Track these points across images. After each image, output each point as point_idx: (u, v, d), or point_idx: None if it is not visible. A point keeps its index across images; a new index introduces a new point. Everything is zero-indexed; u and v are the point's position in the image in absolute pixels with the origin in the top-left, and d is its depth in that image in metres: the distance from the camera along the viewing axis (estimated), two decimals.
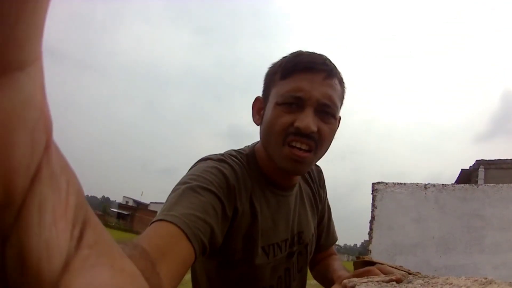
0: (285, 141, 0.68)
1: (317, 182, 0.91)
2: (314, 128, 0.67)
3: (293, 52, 0.73)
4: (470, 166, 10.47)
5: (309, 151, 0.68)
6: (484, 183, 8.44)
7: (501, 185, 3.88)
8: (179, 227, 0.53)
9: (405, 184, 4.12)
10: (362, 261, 0.76)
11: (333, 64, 0.72)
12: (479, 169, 9.80)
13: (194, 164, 0.72)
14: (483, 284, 0.42)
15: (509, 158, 10.27)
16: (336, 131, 0.74)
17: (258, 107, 0.77)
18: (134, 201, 60.26)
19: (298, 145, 0.68)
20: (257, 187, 0.74)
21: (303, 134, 0.67)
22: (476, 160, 10.25)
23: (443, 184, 4.05)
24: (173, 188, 0.64)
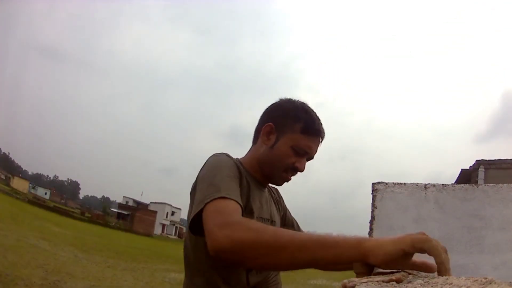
0: (284, 170, 1.04)
1: (276, 194, 1.24)
2: (303, 170, 1.05)
3: (308, 110, 1.06)
4: (470, 166, 10.48)
5: (291, 177, 1.07)
6: (484, 183, 8.45)
7: (501, 185, 3.87)
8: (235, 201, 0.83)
9: (405, 184, 4.12)
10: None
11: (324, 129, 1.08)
12: (479, 169, 9.81)
13: (209, 160, 0.99)
14: (483, 284, 0.42)
15: (509, 158, 10.28)
16: None
17: (269, 131, 1.06)
18: (134, 201, 60.30)
19: (290, 174, 1.06)
20: (247, 176, 1.03)
21: (296, 171, 1.05)
22: (476, 160, 10.26)
23: (443, 184, 4.05)
24: (204, 174, 0.93)
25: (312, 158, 1.07)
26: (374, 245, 0.61)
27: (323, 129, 1.07)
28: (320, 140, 1.07)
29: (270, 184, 1.17)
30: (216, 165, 0.95)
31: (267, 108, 1.11)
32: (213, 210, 0.79)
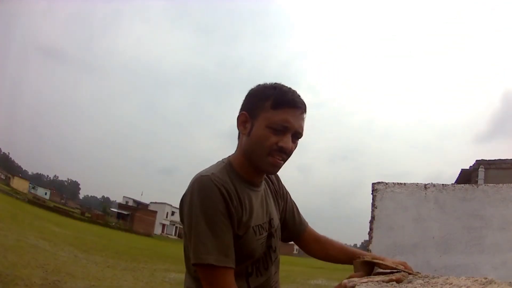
0: (269, 154, 0.98)
1: (276, 184, 1.19)
2: (291, 148, 0.99)
3: (277, 86, 1.00)
4: (470, 166, 10.47)
5: (282, 160, 1.00)
6: (484, 183, 8.45)
7: (501, 185, 3.86)
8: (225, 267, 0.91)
9: (405, 184, 4.11)
10: (362, 261, 0.76)
11: (304, 102, 1.01)
12: (479, 169, 9.81)
13: (193, 196, 0.95)
14: (483, 284, 0.42)
15: (509, 158, 10.28)
16: (297, 146, 1.04)
17: (243, 120, 1.02)
18: (134, 201, 60.28)
19: (278, 157, 0.98)
20: (238, 185, 1.00)
21: (283, 151, 0.98)
22: (476, 160, 10.26)
23: (443, 184, 4.04)
24: (191, 221, 0.94)
25: (298, 133, 0.99)
26: None
27: (299, 99, 0.99)
28: (300, 112, 0.99)
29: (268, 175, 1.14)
30: (202, 206, 0.92)
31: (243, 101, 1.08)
32: (207, 280, 0.92)
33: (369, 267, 0.87)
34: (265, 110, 0.97)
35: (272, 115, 0.96)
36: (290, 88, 1.00)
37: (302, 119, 1.00)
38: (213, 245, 0.90)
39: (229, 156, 1.09)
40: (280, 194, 1.21)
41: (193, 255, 0.92)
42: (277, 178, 1.22)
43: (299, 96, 1.00)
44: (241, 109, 1.04)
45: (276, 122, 0.96)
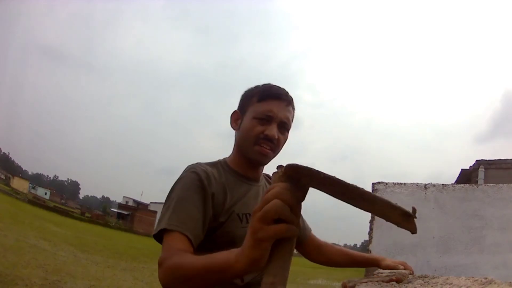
0: (256, 143, 1.02)
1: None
2: (276, 136, 1.02)
3: (265, 84, 1.07)
4: (470, 166, 10.47)
5: (270, 150, 1.03)
6: (484, 183, 8.44)
7: (501, 185, 3.87)
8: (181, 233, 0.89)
9: (405, 184, 4.12)
10: None
11: (291, 96, 1.07)
12: (479, 169, 9.80)
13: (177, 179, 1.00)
14: (483, 284, 0.42)
15: (509, 158, 10.27)
16: (287, 139, 1.09)
17: (236, 118, 1.10)
18: (134, 201, 60.25)
19: (264, 146, 1.02)
20: (230, 177, 1.05)
21: (269, 139, 1.01)
22: (476, 160, 10.25)
23: (443, 184, 4.05)
24: (166, 200, 0.96)
25: (284, 123, 1.04)
26: (239, 254, 0.60)
27: (284, 93, 1.05)
28: (285, 104, 1.04)
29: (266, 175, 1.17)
30: (180, 190, 0.96)
31: None
32: (163, 242, 0.92)
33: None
34: (252, 104, 1.05)
35: (258, 107, 1.03)
36: (277, 85, 1.07)
37: (288, 111, 1.05)
38: (170, 215, 0.91)
39: (224, 158, 1.15)
40: None
41: (158, 222, 0.93)
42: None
43: (286, 92, 1.06)
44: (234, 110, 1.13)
45: (261, 112, 1.02)
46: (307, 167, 0.47)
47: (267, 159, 1.06)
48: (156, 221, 1.04)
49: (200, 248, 0.92)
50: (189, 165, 1.03)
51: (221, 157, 1.14)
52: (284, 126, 1.05)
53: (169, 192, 0.98)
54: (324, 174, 0.46)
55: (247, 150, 1.05)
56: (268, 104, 1.02)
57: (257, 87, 1.09)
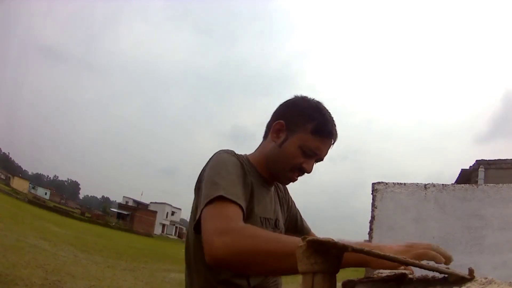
0: (290, 170, 1.02)
1: (283, 192, 1.21)
2: (311, 172, 1.02)
3: (322, 109, 1.02)
4: (470, 166, 10.46)
5: (298, 178, 1.05)
6: (484, 183, 8.44)
7: (501, 185, 3.87)
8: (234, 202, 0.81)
9: (405, 184, 4.12)
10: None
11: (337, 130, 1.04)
12: (479, 169, 9.79)
13: (213, 158, 0.97)
14: (483, 284, 0.42)
15: (509, 158, 10.27)
16: None
17: (278, 129, 1.03)
18: (134, 201, 60.23)
19: (296, 175, 1.03)
20: (254, 177, 1.02)
21: (302, 172, 1.02)
22: (476, 160, 10.24)
23: (443, 184, 4.05)
24: (209, 173, 0.90)
25: (321, 159, 1.04)
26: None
27: (336, 131, 1.03)
28: (332, 142, 1.03)
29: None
30: (220, 162, 0.93)
31: (281, 104, 1.07)
32: (213, 212, 0.79)
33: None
34: (304, 131, 1.00)
35: (309, 139, 0.99)
36: (331, 116, 1.03)
37: (330, 148, 1.05)
38: (225, 183, 0.85)
39: (246, 155, 1.10)
40: (286, 203, 1.22)
41: (202, 199, 0.83)
42: (285, 187, 1.24)
43: (336, 126, 1.04)
44: (279, 116, 1.04)
45: (310, 148, 0.99)
46: (329, 241, 0.42)
47: (288, 184, 1.09)
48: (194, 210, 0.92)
49: None
50: (223, 149, 1.00)
51: None
52: (319, 160, 1.04)
53: (212, 167, 0.92)
54: (352, 247, 0.42)
55: (278, 171, 1.03)
56: (320, 142, 1.00)
57: (312, 109, 1.01)
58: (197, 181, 0.97)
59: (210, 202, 0.81)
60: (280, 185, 1.20)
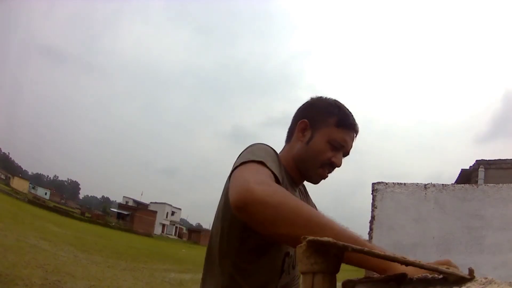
0: (321, 166, 1.03)
1: (304, 195, 1.21)
2: (340, 165, 1.04)
3: (340, 105, 1.06)
4: (470, 166, 10.46)
5: (328, 174, 1.06)
6: (484, 183, 8.44)
7: (501, 185, 3.87)
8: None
9: (405, 184, 4.12)
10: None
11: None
12: (479, 169, 9.80)
13: (250, 145, 0.96)
14: (483, 284, 0.42)
15: (509, 158, 10.27)
16: None
17: (303, 128, 1.05)
18: (134, 201, 60.26)
19: (327, 170, 1.04)
20: (284, 175, 0.99)
21: (332, 166, 1.03)
22: (476, 160, 10.24)
23: (443, 184, 4.05)
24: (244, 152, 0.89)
25: (347, 153, 1.06)
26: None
27: (357, 124, 1.06)
28: (355, 135, 1.06)
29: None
30: (257, 147, 0.93)
31: (299, 107, 1.10)
32: (250, 167, 0.78)
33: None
34: (328, 125, 1.03)
35: (335, 132, 1.02)
36: (349, 110, 1.07)
37: (354, 141, 1.08)
38: (263, 156, 0.84)
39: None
40: (308, 203, 1.22)
41: (236, 163, 0.82)
42: (306, 190, 1.23)
43: (355, 119, 1.08)
44: (301, 116, 1.07)
45: (337, 140, 1.02)
46: (329, 241, 0.43)
47: (320, 181, 1.08)
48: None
49: (233, 235, 0.92)
50: (258, 143, 0.98)
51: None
52: (345, 155, 1.06)
53: (248, 151, 0.90)
54: (352, 247, 0.43)
55: (309, 169, 1.04)
56: (344, 133, 1.03)
57: (332, 105, 1.06)
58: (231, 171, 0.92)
59: (245, 163, 0.79)
60: (301, 188, 1.18)
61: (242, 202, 0.66)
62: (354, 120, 1.06)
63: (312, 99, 1.10)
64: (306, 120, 1.05)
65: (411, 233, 3.89)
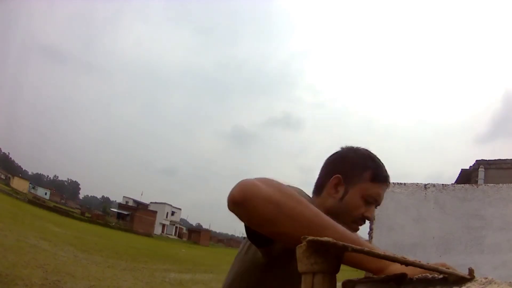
0: (354, 221, 1.01)
1: None
2: (373, 219, 1.06)
3: (374, 157, 1.05)
4: (470, 166, 10.46)
5: (360, 227, 1.04)
6: (484, 183, 8.44)
7: (501, 185, 3.87)
8: None
9: (405, 184, 4.12)
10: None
11: None
12: (479, 169, 9.80)
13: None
14: (483, 284, 0.42)
15: (509, 158, 10.28)
16: None
17: (336, 184, 1.02)
18: (134, 201, 60.30)
19: (359, 224, 1.02)
20: None
21: (365, 220, 1.02)
22: (476, 160, 10.25)
23: (443, 184, 4.05)
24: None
25: (379, 204, 1.05)
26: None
27: (389, 175, 1.05)
28: (388, 187, 1.05)
29: None
30: (291, 187, 0.88)
31: (330, 159, 1.07)
32: (261, 178, 0.71)
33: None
34: (362, 180, 1.01)
35: (370, 187, 1.01)
36: (381, 162, 1.06)
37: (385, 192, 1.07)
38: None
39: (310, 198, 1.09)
40: None
41: None
42: None
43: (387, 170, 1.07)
44: (333, 170, 1.04)
45: (372, 195, 1.01)
46: (329, 241, 0.42)
47: None
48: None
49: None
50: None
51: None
52: (378, 206, 1.05)
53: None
54: (352, 247, 0.43)
55: (341, 223, 0.99)
56: (378, 188, 1.02)
57: (366, 159, 1.04)
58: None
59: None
60: None
61: (242, 197, 0.62)
62: (386, 172, 1.04)
63: (343, 149, 1.07)
64: (339, 175, 1.02)
65: (411, 233, 3.89)
